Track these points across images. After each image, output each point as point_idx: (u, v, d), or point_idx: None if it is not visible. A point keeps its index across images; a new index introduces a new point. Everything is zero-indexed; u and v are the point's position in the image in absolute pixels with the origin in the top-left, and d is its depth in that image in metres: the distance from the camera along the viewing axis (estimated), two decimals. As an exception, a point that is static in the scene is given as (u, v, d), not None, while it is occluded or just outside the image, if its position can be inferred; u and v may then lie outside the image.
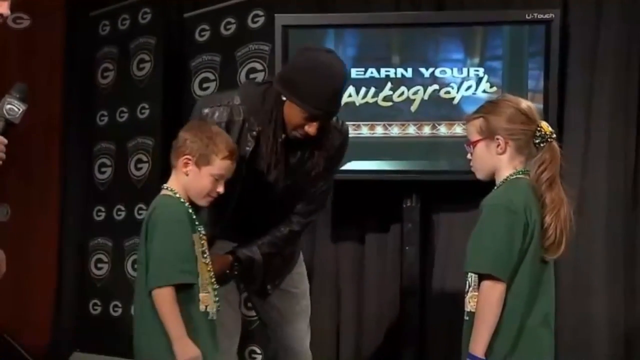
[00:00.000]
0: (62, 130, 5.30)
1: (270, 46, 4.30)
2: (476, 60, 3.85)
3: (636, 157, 3.75)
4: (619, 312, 3.71)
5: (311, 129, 2.72)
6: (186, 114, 4.71)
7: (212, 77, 4.64)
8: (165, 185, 2.63)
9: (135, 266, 4.78)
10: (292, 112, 2.72)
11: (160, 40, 4.88)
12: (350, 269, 4.23)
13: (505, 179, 2.38)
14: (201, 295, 2.51)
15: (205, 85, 4.66)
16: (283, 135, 2.77)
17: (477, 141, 2.41)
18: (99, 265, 5.05)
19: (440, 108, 3.86)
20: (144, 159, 4.89)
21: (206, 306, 2.52)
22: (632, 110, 3.75)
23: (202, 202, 2.62)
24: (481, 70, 3.83)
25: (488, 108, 2.42)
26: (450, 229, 4.08)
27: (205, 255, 2.58)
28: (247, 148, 2.78)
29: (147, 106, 4.90)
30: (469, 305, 2.36)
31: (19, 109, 2.32)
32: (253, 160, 2.81)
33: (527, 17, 3.74)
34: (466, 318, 2.38)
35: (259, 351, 4.35)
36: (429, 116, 3.87)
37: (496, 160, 2.39)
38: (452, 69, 3.86)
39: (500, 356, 2.29)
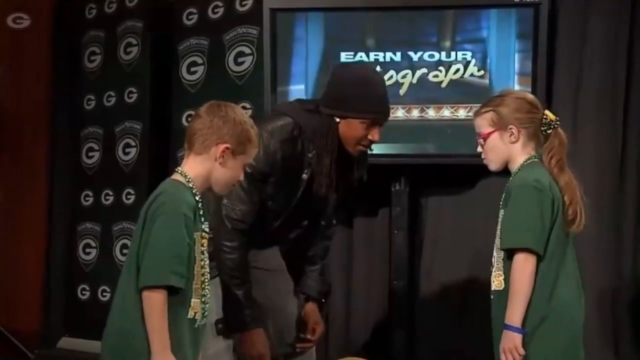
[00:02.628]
0: (50, 115, 5.26)
1: (259, 30, 4.28)
2: (463, 43, 3.88)
3: (623, 143, 3.78)
4: (607, 299, 3.75)
5: (375, 135, 2.82)
6: (174, 98, 4.73)
7: (200, 61, 4.62)
8: (178, 169, 2.39)
9: (125, 251, 4.86)
10: (351, 128, 2.80)
11: (148, 24, 4.85)
12: (339, 253, 4.23)
13: (522, 164, 2.54)
14: (193, 300, 2.33)
15: (193, 69, 4.63)
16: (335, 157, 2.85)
17: (490, 133, 2.57)
18: (87, 250, 5.04)
19: (429, 91, 3.89)
20: (132, 143, 4.87)
21: (195, 313, 2.34)
22: (619, 97, 3.76)
23: (225, 191, 2.51)
24: (469, 54, 3.87)
25: (497, 101, 2.59)
26: (439, 213, 4.10)
27: (203, 257, 2.36)
28: (304, 176, 2.85)
29: (134, 90, 4.87)
30: (494, 284, 2.51)
31: None
32: (308, 185, 2.88)
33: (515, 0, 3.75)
34: (492, 297, 2.53)
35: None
36: (417, 99, 3.89)
37: (510, 149, 2.55)
38: (440, 53, 3.88)
39: (532, 325, 2.42)
